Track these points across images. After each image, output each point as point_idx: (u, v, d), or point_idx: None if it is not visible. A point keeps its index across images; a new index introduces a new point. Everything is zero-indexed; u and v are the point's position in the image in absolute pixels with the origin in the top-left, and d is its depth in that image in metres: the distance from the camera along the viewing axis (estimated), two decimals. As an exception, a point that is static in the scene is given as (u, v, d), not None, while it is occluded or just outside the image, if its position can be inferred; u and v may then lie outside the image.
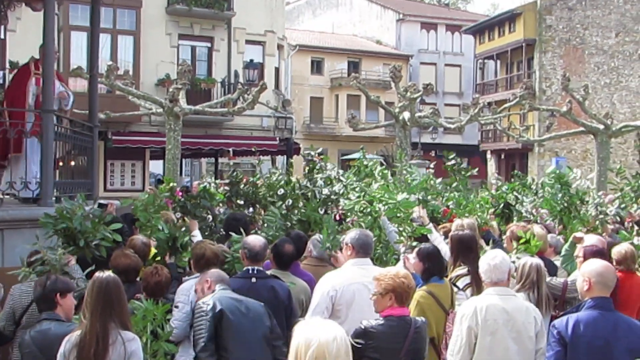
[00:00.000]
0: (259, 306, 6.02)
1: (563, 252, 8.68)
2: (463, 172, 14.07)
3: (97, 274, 5.14)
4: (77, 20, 27.01)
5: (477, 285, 7.31)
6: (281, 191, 9.94)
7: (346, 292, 6.38)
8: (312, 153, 10.91)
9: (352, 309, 6.37)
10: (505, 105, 29.90)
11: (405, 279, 5.59)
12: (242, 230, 7.98)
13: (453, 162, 13.92)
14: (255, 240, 6.83)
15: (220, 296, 5.92)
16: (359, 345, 5.41)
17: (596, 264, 5.76)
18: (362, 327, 5.53)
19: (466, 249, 7.75)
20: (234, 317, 5.80)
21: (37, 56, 10.90)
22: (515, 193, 10.99)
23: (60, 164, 10.94)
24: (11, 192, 10.06)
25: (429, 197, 11.12)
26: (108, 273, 5.20)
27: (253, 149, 27.41)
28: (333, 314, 6.41)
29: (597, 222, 10.02)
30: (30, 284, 6.47)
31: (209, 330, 5.74)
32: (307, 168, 10.58)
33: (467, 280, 7.47)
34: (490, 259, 6.06)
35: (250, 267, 6.60)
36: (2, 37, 14.10)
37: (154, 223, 8.22)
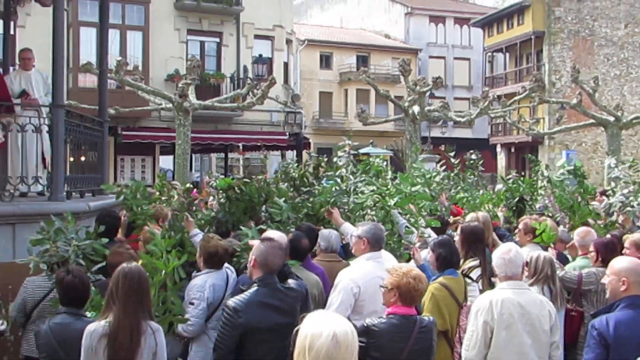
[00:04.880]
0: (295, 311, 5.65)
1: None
2: (475, 169, 14.09)
3: (124, 265, 5.13)
4: (86, 16, 27.06)
5: (486, 277, 7.31)
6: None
7: (368, 286, 6.35)
8: (349, 142, 10.87)
9: (373, 303, 6.33)
10: (515, 98, 29.84)
11: (413, 280, 5.44)
12: (252, 224, 7.97)
13: (474, 157, 13.96)
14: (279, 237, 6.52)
15: (254, 299, 5.59)
16: (362, 344, 5.36)
17: (628, 262, 5.69)
18: (365, 325, 5.43)
19: (478, 241, 7.72)
20: (260, 337, 5.54)
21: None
22: (531, 188, 10.95)
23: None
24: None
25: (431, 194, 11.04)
26: (135, 264, 5.22)
27: (259, 144, 27.46)
28: (354, 309, 6.38)
29: (626, 213, 9.91)
30: (44, 278, 6.47)
31: (230, 342, 5.52)
32: (313, 165, 10.48)
33: (479, 271, 7.46)
34: (504, 253, 5.99)
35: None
36: (12, 32, 14.09)
37: (145, 210, 8.12)
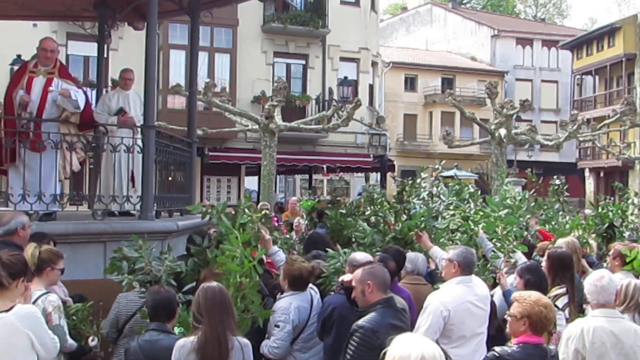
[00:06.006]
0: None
1: None
2: (560, 194, 13.82)
3: (204, 284, 5.28)
4: (176, 39, 27.69)
5: (574, 305, 7.13)
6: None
7: (458, 311, 6.30)
8: (439, 166, 10.86)
9: (462, 328, 6.28)
10: (605, 121, 29.20)
11: (545, 308, 5.34)
12: (338, 246, 7.99)
13: (558, 182, 13.72)
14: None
15: (385, 320, 5.64)
16: None
17: None
18: (497, 354, 5.32)
19: (565, 268, 7.55)
20: None
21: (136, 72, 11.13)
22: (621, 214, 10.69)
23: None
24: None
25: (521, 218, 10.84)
26: (216, 283, 5.34)
27: (334, 166, 27.58)
28: (443, 333, 6.30)
29: None
30: (137, 294, 6.61)
31: None
32: (399, 187, 10.47)
33: (565, 299, 7.28)
34: (596, 280, 5.85)
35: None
36: (105, 56, 14.49)
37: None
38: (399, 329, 5.55)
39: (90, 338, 6.55)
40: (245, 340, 5.22)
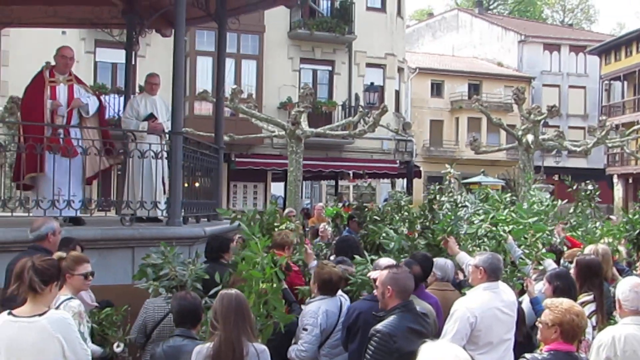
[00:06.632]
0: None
1: None
2: (592, 200, 13.70)
3: (222, 291, 5.33)
4: (203, 45, 27.85)
5: (602, 313, 7.06)
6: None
7: (485, 317, 6.28)
8: (452, 170, 10.84)
9: (489, 334, 6.26)
10: (634, 127, 29.01)
11: (577, 317, 5.27)
12: (365, 253, 7.98)
13: (590, 188, 13.62)
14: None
15: (403, 324, 5.65)
16: None
17: None
18: None
19: (593, 275, 7.47)
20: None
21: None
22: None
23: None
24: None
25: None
26: (234, 290, 5.38)
27: (361, 172, 27.54)
28: (470, 340, 6.28)
29: None
30: (163, 299, 6.64)
31: None
32: (429, 196, 10.44)
33: (592, 307, 7.21)
34: (634, 287, 5.79)
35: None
36: (133, 62, 14.58)
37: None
38: (418, 333, 5.56)
39: (116, 344, 6.57)
40: (262, 346, 5.24)
